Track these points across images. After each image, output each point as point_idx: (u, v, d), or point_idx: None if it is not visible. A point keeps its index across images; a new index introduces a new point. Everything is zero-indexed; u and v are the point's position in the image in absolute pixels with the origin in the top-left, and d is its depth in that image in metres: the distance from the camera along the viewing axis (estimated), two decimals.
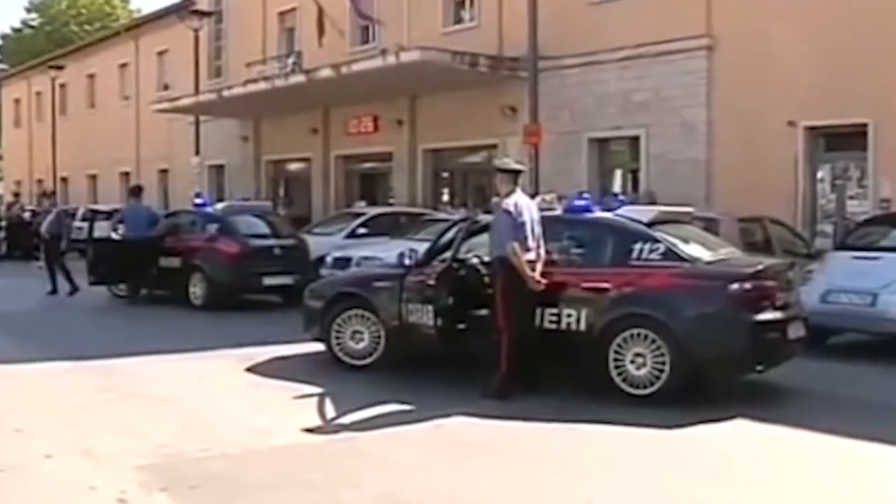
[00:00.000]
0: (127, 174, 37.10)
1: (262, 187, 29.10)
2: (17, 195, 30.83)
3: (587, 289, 7.86)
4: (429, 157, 23.39)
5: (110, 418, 7.10)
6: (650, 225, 8.09)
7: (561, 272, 8.04)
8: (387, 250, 13.93)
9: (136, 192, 16.08)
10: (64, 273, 16.34)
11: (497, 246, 7.84)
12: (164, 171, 34.35)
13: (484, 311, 8.25)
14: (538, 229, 7.96)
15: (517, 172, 8.16)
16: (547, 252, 8.05)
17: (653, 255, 7.79)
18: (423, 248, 9.27)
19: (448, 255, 8.46)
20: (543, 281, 7.78)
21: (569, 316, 7.88)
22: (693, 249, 8.01)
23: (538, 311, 7.95)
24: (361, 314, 9.00)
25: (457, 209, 20.06)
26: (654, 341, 7.49)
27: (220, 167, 30.91)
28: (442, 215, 18.22)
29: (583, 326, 7.83)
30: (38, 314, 14.07)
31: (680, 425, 6.80)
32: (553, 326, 7.93)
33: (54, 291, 16.26)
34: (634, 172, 18.74)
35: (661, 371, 7.45)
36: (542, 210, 8.24)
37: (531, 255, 7.81)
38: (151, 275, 15.20)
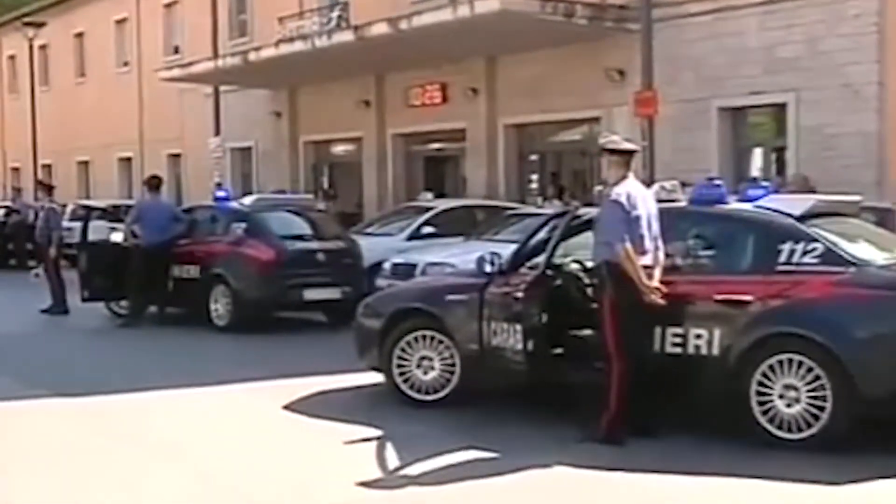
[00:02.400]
0: (128, 160, 37.83)
1: (301, 176, 29.51)
2: None
3: (721, 302, 7.82)
4: (512, 136, 23.45)
5: (106, 470, 7.27)
6: (803, 219, 8.01)
7: (687, 281, 8.02)
8: (461, 254, 14.01)
9: (155, 184, 16.50)
10: (56, 284, 16.79)
11: (604, 247, 7.85)
12: (175, 157, 35.04)
13: (587, 332, 8.26)
14: (656, 226, 7.96)
15: (630, 153, 8.16)
16: (667, 255, 8.04)
17: (807, 258, 7.71)
18: (507, 251, 9.32)
19: (540, 260, 8.49)
20: (664, 292, 7.77)
21: (697, 337, 7.86)
22: (861, 250, 7.92)
23: (657, 331, 7.94)
24: (431, 336, 9.10)
25: (549, 201, 20.07)
26: (810, 370, 7.41)
27: (247, 150, 31.42)
28: (531, 209, 18.27)
29: (716, 351, 7.79)
30: (20, 338, 14.46)
31: (846, 481, 6.72)
32: (677, 351, 7.92)
33: (63, 309, 16.65)
34: (780, 151, 18.52)
35: (821, 409, 7.36)
36: (660, 202, 8.23)
37: (647, 260, 7.82)
38: (164, 288, 15.55)
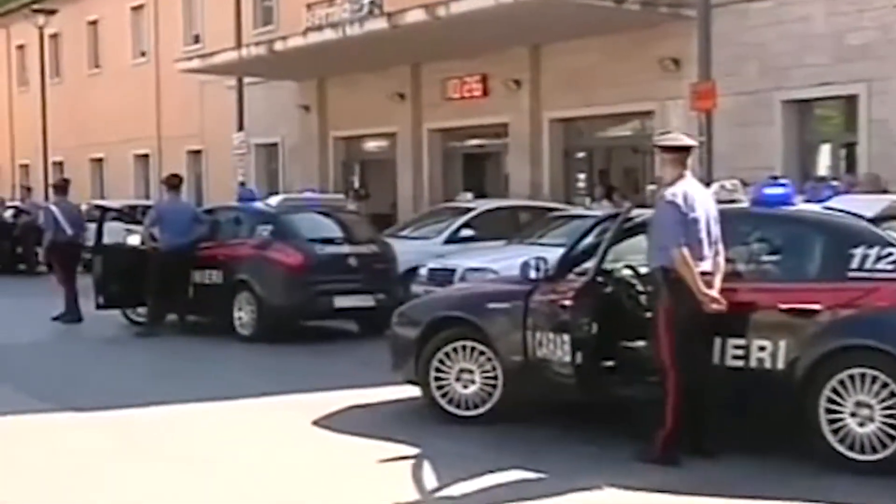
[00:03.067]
0: (145, 157, 38.04)
1: (330, 174, 29.59)
2: None
3: (787, 311, 7.77)
4: (558, 131, 23.42)
5: (122, 489, 7.33)
6: (876, 221, 7.96)
7: (749, 288, 7.99)
8: (503, 259, 14.02)
9: (175, 184, 16.55)
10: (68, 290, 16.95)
11: (659, 252, 7.83)
12: (196, 153, 35.25)
13: (640, 343, 8.24)
14: (716, 229, 7.93)
15: (686, 150, 8.13)
16: (728, 260, 7.99)
17: (882, 264, 7.64)
18: (553, 255, 9.31)
19: (590, 265, 8.50)
20: (724, 300, 7.73)
21: (761, 349, 7.82)
22: None
23: (717, 342, 7.90)
24: (471, 347, 9.11)
25: (598, 202, 20.02)
26: (885, 385, 7.36)
27: (272, 147, 31.58)
28: (578, 210, 18.21)
29: (781, 364, 7.75)
30: (29, 348, 14.58)
31: None
32: (738, 364, 7.87)
33: (76, 317, 16.78)
34: (850, 147, 18.39)
35: None
36: (720, 203, 8.20)
37: (706, 266, 7.78)
38: (184, 294, 15.66)
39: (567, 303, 8.34)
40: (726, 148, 18.02)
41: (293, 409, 9.91)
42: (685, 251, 7.63)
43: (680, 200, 7.76)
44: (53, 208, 17.46)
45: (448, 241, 17.53)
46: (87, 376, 12.29)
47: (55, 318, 16.77)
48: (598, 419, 8.80)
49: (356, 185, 28.85)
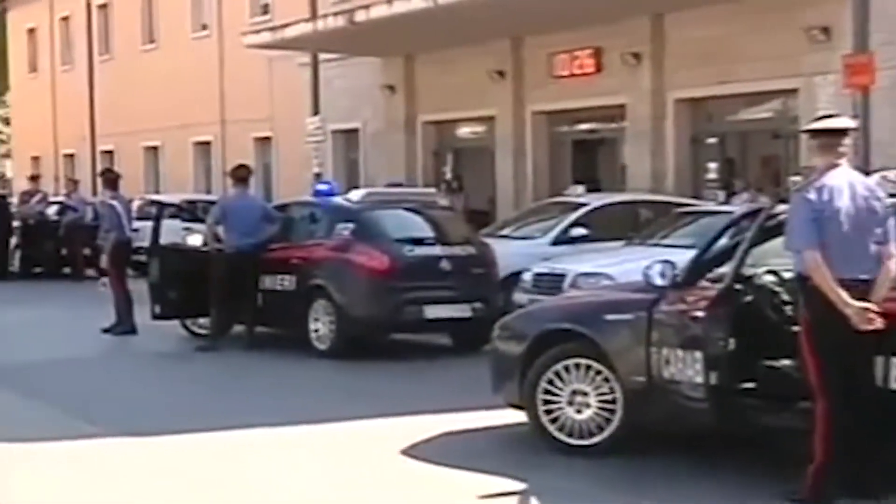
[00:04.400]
0: (206, 145, 38.46)
1: (419, 164, 29.73)
2: (34, 179, 32.15)
3: None
4: (684, 112, 23.29)
5: None
6: None
7: None
8: (621, 263, 14.02)
9: (242, 176, 16.66)
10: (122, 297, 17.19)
11: (795, 256, 7.77)
12: (264, 140, 35.65)
13: (786, 362, 8.14)
14: (879, 228, 7.75)
15: (840, 134, 7.99)
16: None
17: None
18: (681, 259, 9.27)
19: (726, 270, 8.43)
20: (877, 312, 7.54)
21: None
22: None
23: (879, 361, 7.74)
24: (585, 365, 9.07)
25: (737, 196, 19.84)
26: None
27: (352, 133, 31.83)
28: (709, 206, 18.07)
29: None
30: (77, 364, 14.74)
31: None
32: None
33: (130, 329, 17.01)
34: None
35: None
36: (891, 196, 8.01)
37: (862, 272, 7.62)
38: (252, 303, 15.80)
39: (699, 314, 8.30)
40: (886, 133, 17.74)
41: (377, 435, 9.95)
42: (817, 256, 7.50)
43: (813, 195, 7.61)
44: (117, 204, 17.63)
45: (556, 242, 17.52)
46: (143, 396, 12.42)
47: (106, 330, 16.97)
48: (735, 452, 8.71)
49: (449, 176, 28.95)
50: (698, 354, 8.25)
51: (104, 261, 17.15)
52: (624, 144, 24.63)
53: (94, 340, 16.57)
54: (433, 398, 11.41)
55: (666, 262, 9.00)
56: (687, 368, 8.37)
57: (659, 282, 8.79)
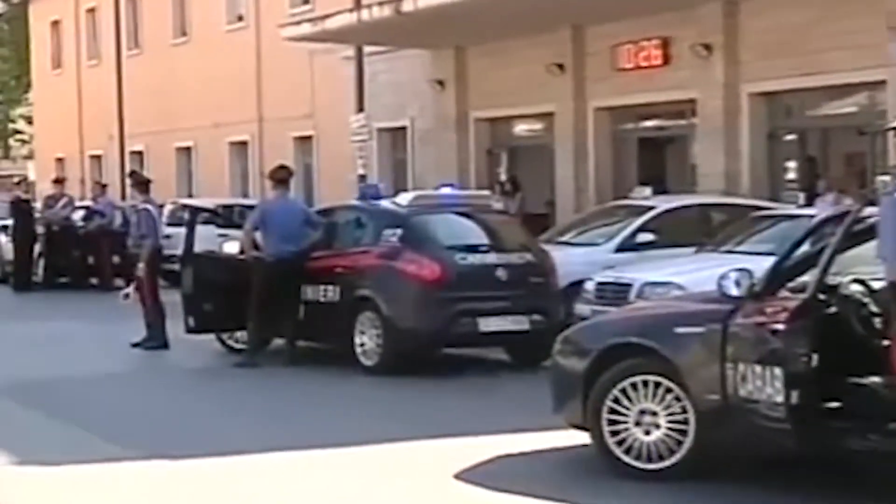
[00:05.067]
0: (242, 145, 38.62)
1: (471, 165, 29.72)
2: (59, 182, 32.24)
3: None
4: (759, 107, 23.16)
5: None
6: None
7: None
8: (692, 271, 13.99)
9: (282, 178, 16.74)
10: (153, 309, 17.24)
11: (885, 264, 7.78)
12: (305, 140, 35.80)
13: (875, 379, 8.07)
14: None
15: None
16: None
17: None
18: (759, 266, 9.20)
19: (808, 279, 8.37)
20: None
21: None
22: None
23: None
24: (654, 383, 9.04)
25: (821, 198, 19.67)
26: None
27: (400, 132, 31.92)
28: (788, 209, 17.96)
29: None
30: (105, 381, 14.86)
31: None
32: None
33: (162, 343, 17.10)
34: None
35: None
36: None
37: None
38: (293, 315, 15.80)
39: (779, 327, 8.26)
40: None
41: (429, 458, 9.96)
42: None
43: None
44: (152, 209, 17.73)
45: (621, 249, 17.52)
46: (173, 417, 12.51)
47: (136, 345, 17.08)
48: (818, 478, 8.64)
49: (504, 178, 28.90)
50: (778, 371, 8.20)
51: (140, 269, 17.06)
52: (694, 142, 24.54)
53: (124, 356, 16.72)
54: (488, 418, 11.40)
55: (742, 270, 8.97)
56: (766, 386, 8.32)
57: (734, 292, 8.76)
